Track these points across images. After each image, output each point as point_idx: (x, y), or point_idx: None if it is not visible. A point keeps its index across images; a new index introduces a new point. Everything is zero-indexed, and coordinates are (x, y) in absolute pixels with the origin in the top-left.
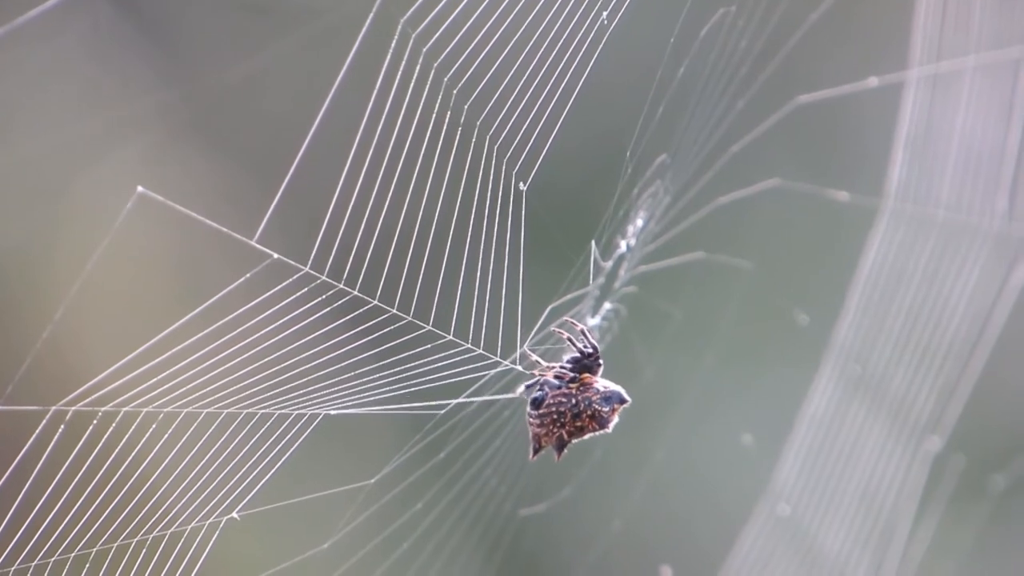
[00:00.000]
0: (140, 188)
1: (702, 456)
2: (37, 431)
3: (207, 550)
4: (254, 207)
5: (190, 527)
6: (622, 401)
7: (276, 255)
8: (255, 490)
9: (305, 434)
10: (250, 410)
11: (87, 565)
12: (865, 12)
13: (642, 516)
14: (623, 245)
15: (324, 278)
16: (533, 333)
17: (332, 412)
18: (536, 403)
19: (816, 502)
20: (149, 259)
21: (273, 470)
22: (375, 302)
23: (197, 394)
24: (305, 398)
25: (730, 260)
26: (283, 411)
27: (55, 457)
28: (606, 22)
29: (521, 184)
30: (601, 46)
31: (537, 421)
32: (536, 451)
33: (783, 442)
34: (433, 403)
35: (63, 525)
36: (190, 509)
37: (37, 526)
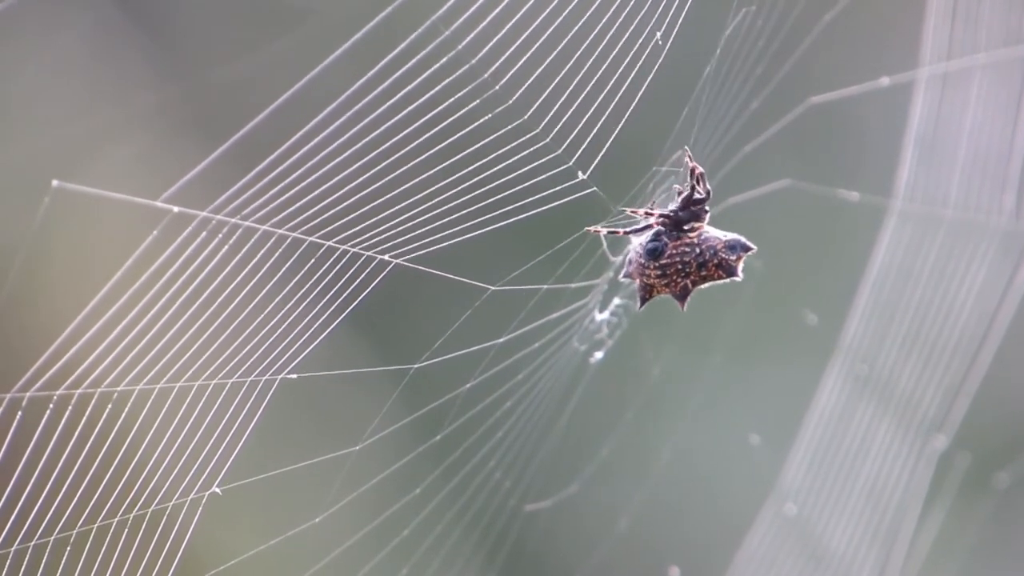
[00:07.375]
0: (56, 182)
1: (709, 455)
2: None
3: (192, 526)
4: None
5: (172, 504)
6: (746, 248)
7: (207, 212)
8: (229, 462)
9: (266, 400)
10: (203, 382)
11: (68, 548)
12: (877, 12)
13: (648, 514)
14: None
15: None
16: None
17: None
18: (655, 254)
19: (823, 501)
20: (89, 245)
21: (244, 438)
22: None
23: (152, 371)
24: (262, 364)
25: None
26: (236, 380)
27: (19, 443)
28: (660, 41)
29: (580, 173)
30: (656, 63)
31: (658, 272)
32: (644, 301)
33: (790, 441)
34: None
35: (36, 508)
36: (166, 485)
37: (10, 512)
